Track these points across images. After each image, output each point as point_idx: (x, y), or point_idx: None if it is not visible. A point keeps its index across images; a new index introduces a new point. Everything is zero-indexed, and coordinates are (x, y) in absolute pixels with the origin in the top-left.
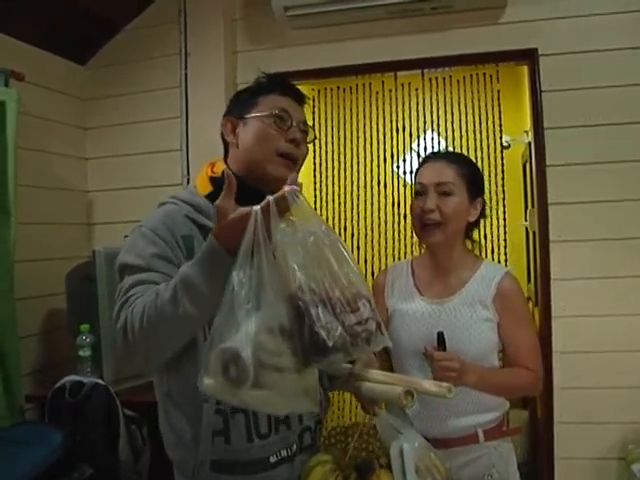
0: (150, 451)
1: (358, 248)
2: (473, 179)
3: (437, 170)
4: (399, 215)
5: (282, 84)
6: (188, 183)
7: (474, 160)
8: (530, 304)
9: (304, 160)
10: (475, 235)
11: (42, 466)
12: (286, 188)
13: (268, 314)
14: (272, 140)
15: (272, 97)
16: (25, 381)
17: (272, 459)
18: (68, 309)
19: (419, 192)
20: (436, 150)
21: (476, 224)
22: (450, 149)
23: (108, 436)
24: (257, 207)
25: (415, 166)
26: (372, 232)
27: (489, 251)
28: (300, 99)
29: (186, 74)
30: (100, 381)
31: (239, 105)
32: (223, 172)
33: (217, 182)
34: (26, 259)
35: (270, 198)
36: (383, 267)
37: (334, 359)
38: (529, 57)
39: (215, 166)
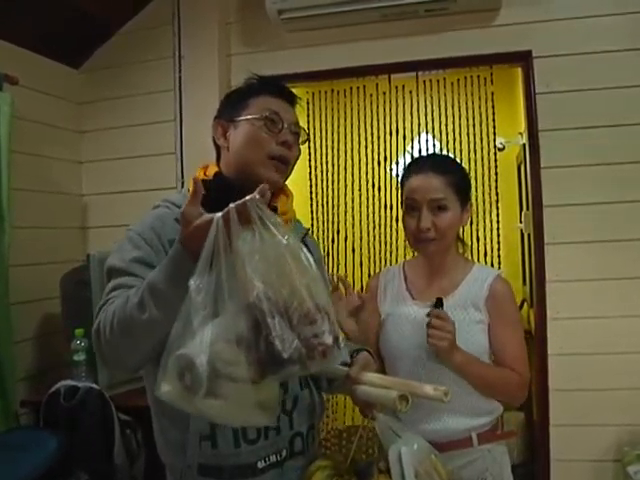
0: (145, 455)
1: (353, 251)
2: (462, 186)
3: (427, 184)
4: (392, 218)
5: (273, 85)
6: (183, 186)
7: (469, 162)
8: (525, 306)
9: (296, 162)
10: (467, 238)
11: (37, 471)
12: (248, 196)
13: (225, 323)
14: (263, 143)
15: (262, 99)
16: (20, 386)
17: (260, 464)
18: (63, 313)
19: (411, 207)
20: (419, 156)
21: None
22: (437, 151)
23: (103, 441)
24: (219, 214)
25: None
26: (367, 235)
27: (482, 254)
28: (291, 100)
29: (180, 77)
30: (95, 385)
31: (229, 107)
32: (215, 175)
33: (209, 185)
34: (20, 263)
35: (231, 206)
36: (377, 270)
37: (290, 371)
38: (523, 59)
39: (208, 169)
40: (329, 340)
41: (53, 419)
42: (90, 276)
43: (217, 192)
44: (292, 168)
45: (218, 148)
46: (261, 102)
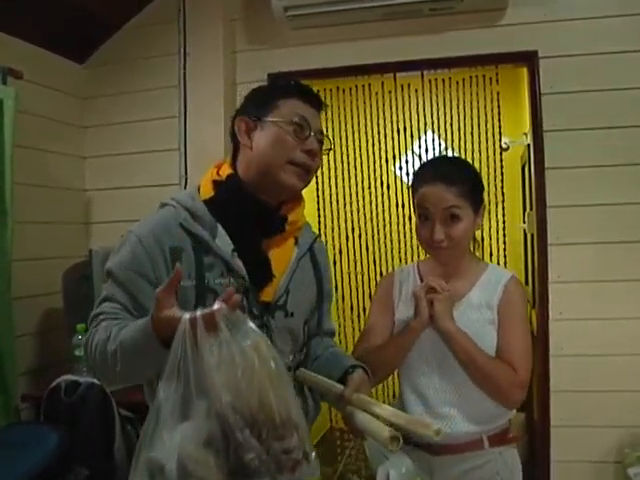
0: None
1: (367, 249)
2: (474, 193)
3: (440, 195)
4: (404, 216)
5: (303, 89)
6: (186, 182)
7: (473, 162)
8: (528, 307)
9: (317, 171)
10: (477, 234)
11: (38, 467)
12: (215, 306)
13: (196, 426)
14: (289, 148)
15: (292, 102)
16: (21, 381)
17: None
18: (64, 308)
19: (424, 216)
20: (430, 160)
21: None
22: (443, 151)
23: (104, 436)
24: (186, 316)
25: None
26: (378, 233)
27: (487, 253)
28: (319, 107)
29: (185, 73)
30: (96, 381)
31: (256, 105)
32: (227, 177)
33: (219, 187)
34: (23, 258)
35: (198, 314)
36: (390, 268)
37: None
38: (529, 59)
39: (221, 169)
40: (298, 456)
41: (54, 414)
42: (92, 271)
43: (227, 195)
44: (312, 176)
45: (237, 145)
46: (291, 105)
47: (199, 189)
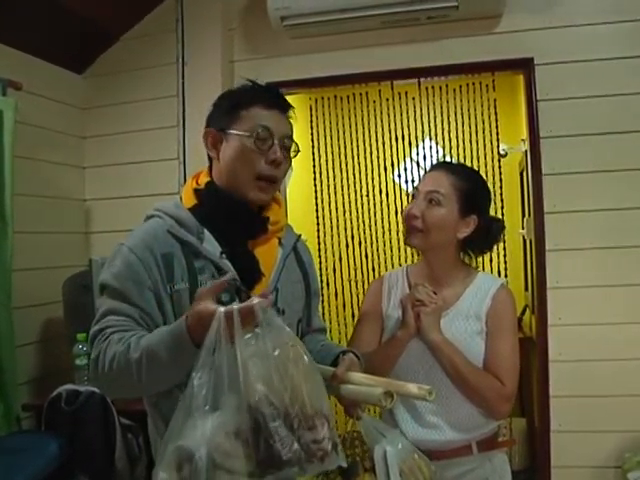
0: (147, 460)
1: (366, 256)
2: (468, 194)
3: (434, 178)
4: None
5: (266, 95)
6: None
7: None
8: (528, 312)
9: (285, 175)
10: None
11: (39, 475)
12: (255, 300)
13: (226, 418)
14: (252, 162)
15: (254, 111)
16: (22, 390)
17: None
18: (65, 318)
19: (413, 196)
20: (448, 160)
21: (482, 244)
22: (447, 160)
23: (104, 445)
24: (222, 309)
25: (415, 175)
26: (377, 241)
27: (487, 259)
28: (285, 109)
29: (183, 83)
30: (96, 390)
31: (220, 116)
32: (206, 185)
33: (200, 195)
34: (23, 268)
35: (235, 308)
36: None
37: (288, 473)
38: (525, 66)
39: (200, 177)
40: (328, 447)
41: (55, 423)
42: (92, 281)
43: (209, 202)
44: (280, 184)
45: (209, 157)
46: (252, 116)
47: (181, 199)
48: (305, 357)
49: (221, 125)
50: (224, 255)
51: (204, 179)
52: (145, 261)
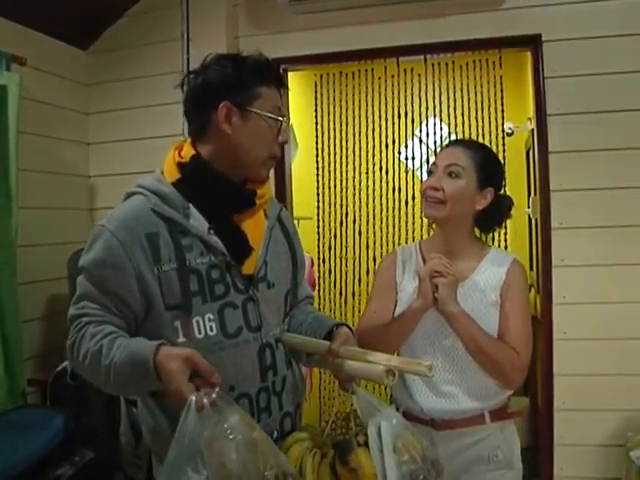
0: None
1: (360, 234)
2: (486, 167)
3: (451, 153)
4: (400, 201)
5: (278, 76)
6: None
7: None
8: (532, 291)
9: None
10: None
11: (43, 450)
12: (193, 397)
13: None
14: (270, 143)
15: (272, 92)
16: (27, 365)
17: None
18: (70, 293)
19: (430, 172)
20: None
21: (493, 218)
22: (452, 138)
23: (109, 420)
24: (192, 397)
25: (417, 152)
26: (373, 218)
27: (489, 238)
28: (283, 87)
29: (188, 59)
30: None
31: (237, 89)
32: (191, 158)
33: (185, 169)
34: (28, 244)
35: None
36: (385, 252)
37: None
38: (532, 43)
39: (183, 150)
40: None
41: (60, 398)
42: None
43: (195, 176)
44: None
45: (204, 127)
46: (271, 96)
47: (163, 173)
48: (258, 427)
49: (238, 100)
50: (212, 231)
51: (189, 152)
52: (127, 244)
